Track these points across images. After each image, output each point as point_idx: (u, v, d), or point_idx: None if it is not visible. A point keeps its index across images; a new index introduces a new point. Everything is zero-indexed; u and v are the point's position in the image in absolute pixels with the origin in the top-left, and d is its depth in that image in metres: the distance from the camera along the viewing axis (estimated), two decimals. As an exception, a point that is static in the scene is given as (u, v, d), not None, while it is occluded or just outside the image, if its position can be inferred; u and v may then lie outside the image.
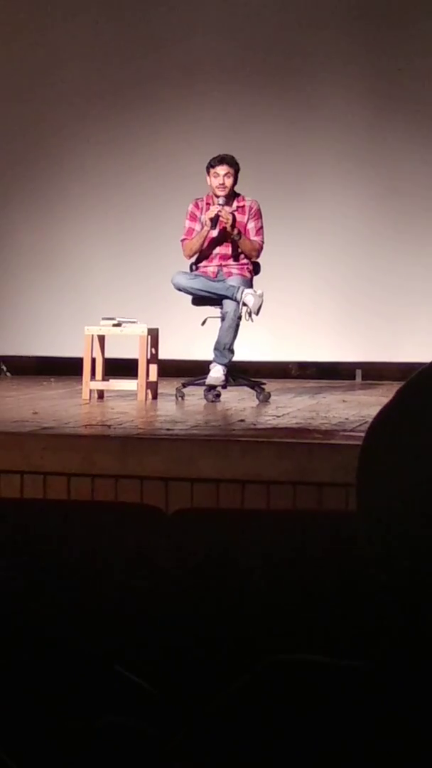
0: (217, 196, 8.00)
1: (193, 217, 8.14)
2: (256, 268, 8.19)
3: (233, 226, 7.96)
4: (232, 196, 8.08)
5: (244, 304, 7.83)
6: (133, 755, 1.19)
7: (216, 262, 8.13)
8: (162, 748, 1.13)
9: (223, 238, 8.10)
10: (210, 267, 8.11)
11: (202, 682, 1.91)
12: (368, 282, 9.95)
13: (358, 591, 1.95)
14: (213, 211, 7.98)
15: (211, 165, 8.04)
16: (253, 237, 8.10)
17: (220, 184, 7.98)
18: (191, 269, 8.16)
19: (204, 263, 8.15)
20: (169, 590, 2.38)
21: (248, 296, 7.82)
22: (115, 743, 1.21)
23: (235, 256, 8.13)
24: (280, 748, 0.97)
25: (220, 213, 7.94)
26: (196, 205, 8.16)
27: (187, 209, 8.19)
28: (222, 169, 8.00)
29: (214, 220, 7.97)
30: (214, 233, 8.06)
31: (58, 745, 1.23)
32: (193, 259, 8.14)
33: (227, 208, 8.00)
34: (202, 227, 8.04)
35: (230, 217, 7.94)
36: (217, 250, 8.14)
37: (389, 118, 9.94)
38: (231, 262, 8.13)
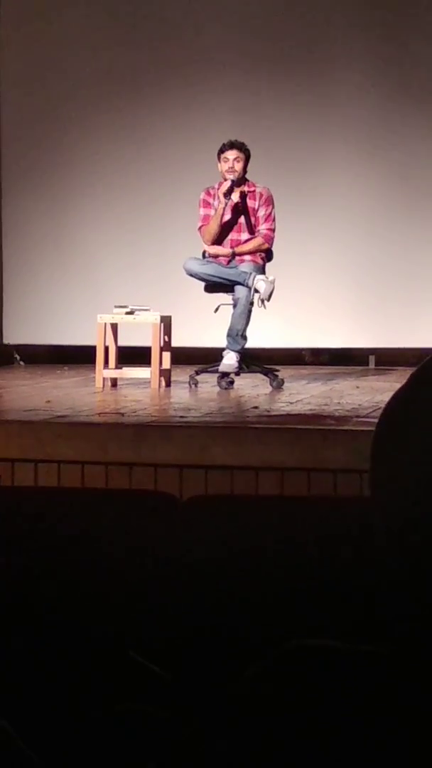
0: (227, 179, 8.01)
1: (207, 204, 8.14)
2: (268, 255, 8.19)
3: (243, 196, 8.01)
4: (242, 181, 8.08)
5: (256, 290, 7.82)
6: (150, 740, 1.19)
7: (228, 247, 8.12)
8: (178, 733, 1.14)
9: (235, 223, 8.10)
10: (224, 251, 8.11)
11: (217, 668, 1.91)
12: (381, 267, 9.94)
13: (374, 576, 1.95)
14: (225, 186, 7.99)
15: (222, 150, 8.06)
16: (262, 224, 8.09)
17: (229, 168, 7.99)
18: (203, 256, 8.15)
19: (217, 248, 8.14)
20: (184, 577, 2.39)
21: (260, 282, 7.82)
22: (132, 729, 1.22)
23: (247, 242, 8.12)
24: (297, 735, 0.98)
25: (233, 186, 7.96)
26: (208, 193, 8.17)
27: (200, 198, 8.19)
28: (232, 154, 8.01)
29: (228, 192, 7.98)
30: (227, 216, 8.05)
31: (77, 732, 1.24)
32: (206, 246, 8.13)
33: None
34: (217, 207, 8.05)
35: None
36: (230, 236, 8.13)
37: (400, 104, 9.92)
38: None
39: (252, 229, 8.11)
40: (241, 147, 8.05)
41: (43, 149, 10.40)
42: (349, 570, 2.23)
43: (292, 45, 10.04)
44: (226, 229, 8.12)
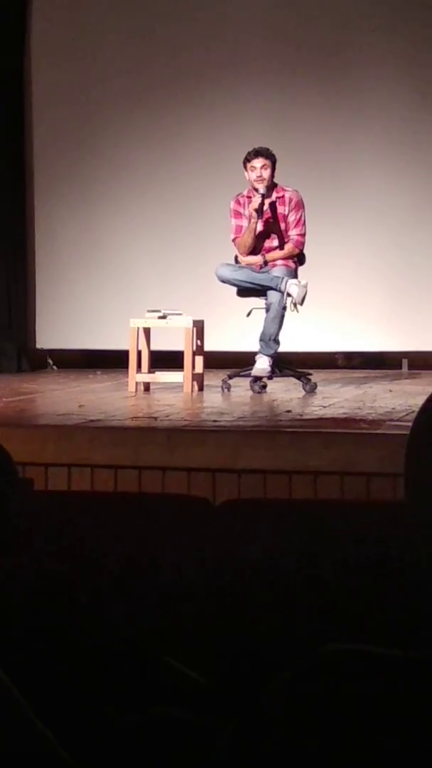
0: (257, 189, 8.00)
1: (238, 215, 8.14)
2: (301, 259, 8.18)
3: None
4: (271, 187, 8.07)
5: (289, 295, 7.82)
6: (185, 744, 1.19)
7: (260, 254, 8.12)
8: (213, 737, 1.14)
9: (268, 231, 8.10)
10: (255, 260, 8.11)
11: (251, 672, 1.91)
12: (413, 270, 9.91)
13: (409, 580, 1.95)
14: (256, 201, 7.98)
15: (247, 159, 8.05)
16: (293, 229, 8.08)
17: (258, 177, 7.98)
18: (236, 261, 8.16)
19: (250, 257, 8.14)
20: (217, 581, 2.39)
21: (292, 286, 7.81)
22: (168, 733, 1.22)
23: (280, 248, 8.12)
24: (333, 740, 0.97)
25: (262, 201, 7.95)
26: (238, 202, 8.16)
27: (230, 208, 8.18)
28: (258, 162, 8.00)
29: (259, 210, 7.97)
30: (260, 227, 8.06)
31: (114, 736, 1.24)
32: (240, 257, 8.13)
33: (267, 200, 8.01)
34: (249, 221, 8.04)
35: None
36: (263, 243, 8.13)
37: (432, 105, 9.88)
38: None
39: (283, 235, 8.11)
40: (266, 154, 8.04)
41: (75, 155, 10.44)
42: (384, 574, 2.22)
43: (325, 46, 10.03)
44: (258, 238, 8.11)
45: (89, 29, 10.35)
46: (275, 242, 8.12)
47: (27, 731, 1.10)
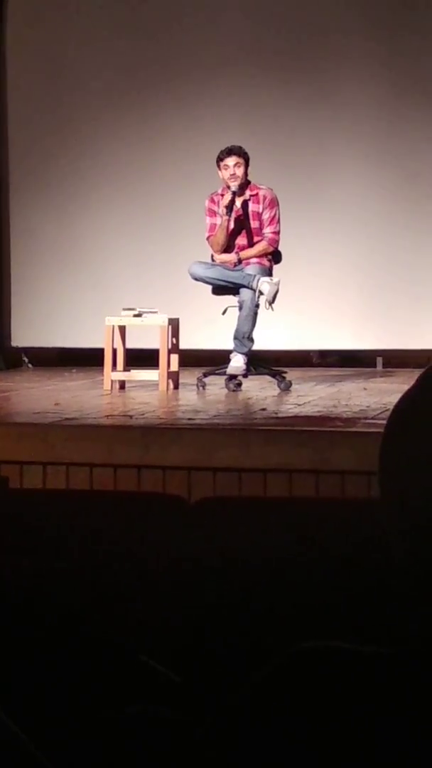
0: (229, 187, 8.00)
1: (212, 213, 8.15)
2: (276, 257, 8.19)
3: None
4: (245, 185, 8.08)
5: (260, 293, 7.83)
6: (160, 743, 1.20)
7: (234, 252, 8.13)
8: (188, 736, 1.14)
9: (241, 228, 8.10)
10: (229, 257, 8.12)
11: (226, 670, 1.92)
12: (388, 269, 9.93)
13: (382, 579, 1.95)
14: (226, 198, 7.99)
15: (220, 158, 8.06)
16: (267, 227, 8.09)
17: (231, 175, 7.99)
18: (212, 259, 8.16)
19: (224, 255, 8.14)
20: (192, 579, 2.39)
21: (264, 284, 7.83)
22: (143, 732, 1.22)
23: (253, 246, 8.13)
24: (305, 736, 0.98)
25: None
26: (212, 200, 8.17)
27: (205, 206, 8.19)
28: (231, 160, 8.01)
29: (229, 207, 7.98)
30: (232, 225, 8.06)
31: (88, 736, 1.24)
32: (215, 255, 8.14)
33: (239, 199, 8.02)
34: (221, 219, 8.05)
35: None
36: (237, 241, 8.14)
37: (408, 100, 9.91)
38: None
39: (257, 233, 8.12)
40: (239, 152, 8.05)
41: (49, 153, 10.41)
42: (357, 571, 2.23)
43: (297, 41, 10.04)
44: (232, 235, 8.12)
45: (65, 29, 10.32)
46: (249, 240, 8.12)
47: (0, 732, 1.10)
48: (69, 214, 10.41)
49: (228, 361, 7.99)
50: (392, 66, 9.92)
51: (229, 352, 8.01)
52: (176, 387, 8.13)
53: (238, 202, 8.04)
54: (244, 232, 8.12)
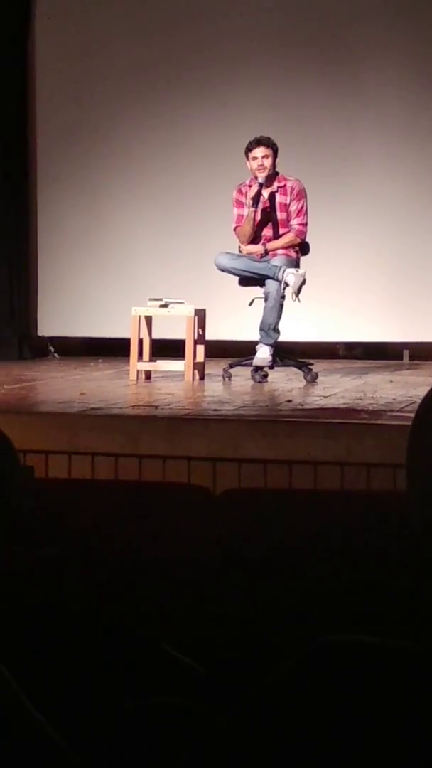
0: (257, 178, 7.99)
1: (240, 204, 8.14)
2: (303, 248, 8.17)
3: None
4: (273, 176, 8.06)
5: (286, 284, 7.82)
6: (182, 733, 1.20)
7: (261, 243, 8.12)
8: (210, 726, 1.14)
9: (267, 219, 8.09)
10: (256, 249, 8.10)
11: (250, 661, 1.91)
12: (415, 261, 9.89)
13: (407, 571, 1.95)
14: (253, 190, 7.98)
15: (249, 149, 8.04)
16: (294, 218, 8.07)
17: (259, 166, 7.97)
18: (239, 250, 8.15)
19: (251, 246, 8.13)
20: (217, 570, 2.39)
21: (289, 276, 7.81)
22: (164, 721, 1.22)
23: (279, 237, 8.11)
24: (329, 728, 0.97)
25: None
26: (240, 191, 8.15)
27: (233, 197, 8.18)
28: (260, 152, 7.99)
29: (256, 199, 7.97)
30: (259, 216, 8.05)
31: (111, 725, 1.24)
32: (242, 246, 8.13)
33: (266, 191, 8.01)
34: (248, 210, 8.04)
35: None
36: (263, 232, 8.12)
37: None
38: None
39: (284, 225, 8.10)
40: (268, 143, 8.02)
41: (77, 143, 10.42)
42: (382, 564, 2.22)
43: (328, 34, 10.00)
44: (259, 226, 8.11)
45: (91, 25, 10.33)
46: (276, 232, 8.11)
47: (24, 721, 1.10)
48: (96, 205, 10.41)
49: (254, 352, 7.98)
50: (418, 55, 9.87)
51: (255, 343, 8.00)
52: (202, 378, 8.13)
53: (265, 193, 8.03)
54: (270, 223, 8.11)
